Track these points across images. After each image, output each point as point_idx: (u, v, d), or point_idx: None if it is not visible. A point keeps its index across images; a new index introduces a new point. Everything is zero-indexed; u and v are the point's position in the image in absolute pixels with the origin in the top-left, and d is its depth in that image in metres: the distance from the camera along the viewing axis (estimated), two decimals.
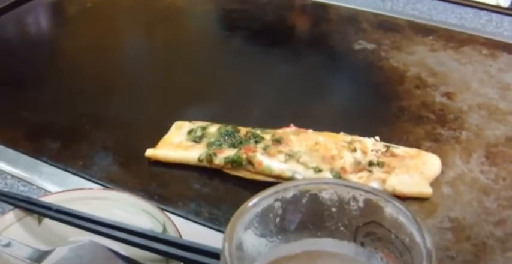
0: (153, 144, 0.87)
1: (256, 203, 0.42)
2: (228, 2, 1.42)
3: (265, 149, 0.82)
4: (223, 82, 1.07)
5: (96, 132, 0.94)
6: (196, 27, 1.36)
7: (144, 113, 0.98)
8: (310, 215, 0.45)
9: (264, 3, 1.41)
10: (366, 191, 0.43)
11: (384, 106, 0.99)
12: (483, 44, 1.23)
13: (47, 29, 1.41)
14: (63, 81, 1.12)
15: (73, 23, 1.40)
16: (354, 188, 0.44)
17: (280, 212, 0.45)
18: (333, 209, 0.45)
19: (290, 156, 0.81)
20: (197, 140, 0.87)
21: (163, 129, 0.91)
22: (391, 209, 0.43)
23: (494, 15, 1.35)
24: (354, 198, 0.44)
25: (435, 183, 0.82)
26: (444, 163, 0.88)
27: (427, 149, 0.91)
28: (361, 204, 0.44)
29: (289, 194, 0.44)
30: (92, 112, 1.01)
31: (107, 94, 1.06)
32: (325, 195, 0.45)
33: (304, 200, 0.45)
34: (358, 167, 0.84)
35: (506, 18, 1.34)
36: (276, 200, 0.44)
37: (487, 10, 1.38)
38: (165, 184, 0.83)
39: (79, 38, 1.30)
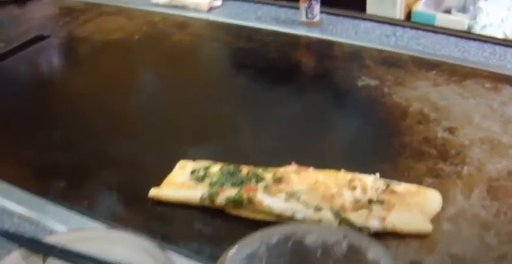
0: (158, 182, 0.88)
1: (236, 251, 0.43)
2: (234, 40, 1.45)
3: (266, 188, 0.83)
4: (228, 120, 1.09)
5: (101, 171, 0.96)
6: (202, 65, 1.38)
7: (150, 152, 1.00)
8: (295, 259, 0.46)
9: (269, 41, 1.43)
10: (349, 236, 0.44)
11: (386, 142, 1.00)
12: (486, 77, 1.23)
13: (57, 69, 1.45)
14: (71, 121, 1.13)
15: (83, 63, 1.43)
16: (337, 232, 0.45)
17: (265, 257, 0.46)
18: (318, 254, 0.46)
19: (290, 195, 0.81)
20: (200, 180, 0.88)
21: (168, 168, 0.92)
22: (373, 253, 0.44)
23: (497, 47, 1.36)
24: (338, 243, 0.45)
25: (436, 219, 0.81)
26: (445, 199, 0.85)
27: (428, 185, 0.91)
28: (344, 248, 0.45)
29: (273, 239, 0.45)
30: (98, 151, 1.02)
31: (113, 133, 1.07)
32: (310, 239, 0.45)
33: (288, 245, 0.46)
34: (358, 204, 0.84)
35: (510, 51, 1.34)
36: (261, 245, 0.45)
37: (491, 43, 1.39)
38: (167, 223, 0.83)
39: (88, 78, 1.34)
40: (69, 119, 1.13)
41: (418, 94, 1.17)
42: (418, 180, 0.89)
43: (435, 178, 0.92)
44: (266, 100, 1.15)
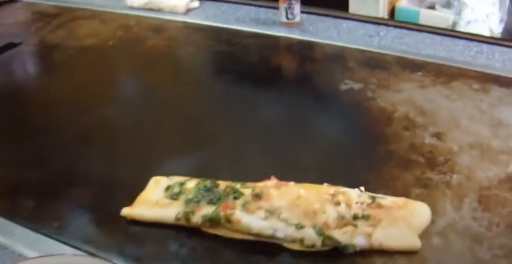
0: (131, 200, 0.84)
1: None
2: (213, 44, 1.40)
3: (244, 205, 0.79)
4: (206, 129, 1.05)
5: (72, 189, 0.90)
6: (179, 71, 1.33)
7: (123, 168, 0.95)
8: None
9: (249, 44, 1.38)
10: None
11: (371, 151, 0.96)
12: (474, 77, 1.20)
13: (28, 78, 1.38)
14: (41, 133, 1.07)
15: (55, 71, 1.37)
16: None
17: None
18: None
19: (270, 212, 0.78)
20: (175, 197, 0.83)
21: (142, 185, 0.88)
22: None
23: (484, 46, 1.33)
24: None
25: (424, 234, 0.78)
26: (434, 211, 0.82)
27: (416, 197, 0.87)
28: None
29: None
30: (69, 167, 0.96)
31: (85, 146, 1.02)
32: None
33: None
34: (342, 221, 0.80)
35: (497, 49, 1.31)
36: None
37: (477, 41, 1.35)
38: (141, 244, 0.79)
39: (61, 86, 1.28)
40: (39, 131, 1.07)
41: (403, 97, 1.14)
42: (405, 191, 0.87)
43: (423, 188, 0.89)
44: (246, 106, 1.11)
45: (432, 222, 0.80)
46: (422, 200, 0.85)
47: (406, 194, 0.85)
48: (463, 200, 0.84)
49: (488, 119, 1.04)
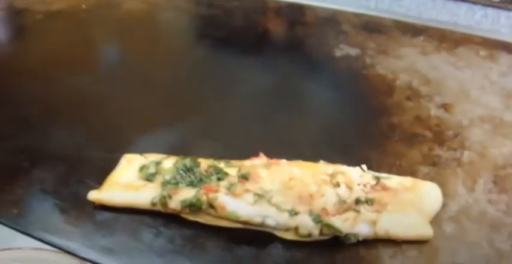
0: (100, 182, 0.76)
1: None
2: (193, 7, 1.30)
3: (229, 188, 0.71)
4: (185, 103, 0.95)
5: (34, 170, 0.81)
6: (158, 37, 1.22)
7: (92, 145, 0.85)
8: None
9: (234, 7, 1.28)
10: None
11: (372, 124, 0.89)
12: (480, 43, 1.11)
13: None
14: (2, 107, 0.96)
15: (23, 37, 1.25)
16: None
17: None
18: None
19: (260, 196, 0.70)
20: (150, 179, 0.75)
21: (113, 164, 0.79)
22: None
23: (489, 9, 1.23)
24: None
25: (436, 220, 0.71)
26: (445, 193, 0.75)
27: (424, 176, 0.79)
28: None
29: None
30: (31, 146, 0.86)
31: (51, 123, 0.91)
32: None
33: None
34: (342, 206, 0.71)
35: (503, 13, 1.22)
36: None
37: (482, 4, 1.25)
38: (111, 234, 0.71)
39: (28, 55, 1.15)
40: (0, 105, 0.95)
41: (404, 64, 1.05)
42: (411, 171, 0.80)
43: (431, 167, 0.81)
44: (231, 76, 1.03)
45: (444, 206, 0.73)
46: (431, 180, 0.77)
47: (413, 173, 0.78)
48: (477, 180, 0.78)
49: (499, 89, 0.97)
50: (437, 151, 0.83)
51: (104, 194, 0.74)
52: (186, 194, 0.71)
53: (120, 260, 0.68)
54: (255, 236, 0.69)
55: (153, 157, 0.80)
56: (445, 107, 0.93)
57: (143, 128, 0.88)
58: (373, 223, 0.68)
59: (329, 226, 0.68)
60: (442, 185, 0.75)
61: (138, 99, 0.97)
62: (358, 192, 0.71)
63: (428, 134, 0.87)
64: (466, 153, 0.83)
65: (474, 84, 0.98)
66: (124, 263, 0.68)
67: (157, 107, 0.95)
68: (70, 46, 1.17)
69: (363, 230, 0.68)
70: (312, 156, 0.77)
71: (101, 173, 0.77)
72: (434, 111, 0.91)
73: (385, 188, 0.73)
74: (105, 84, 1.02)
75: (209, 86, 1.00)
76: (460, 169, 0.80)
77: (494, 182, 0.77)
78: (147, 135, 0.87)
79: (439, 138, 0.85)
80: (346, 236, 0.68)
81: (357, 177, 0.73)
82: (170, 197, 0.71)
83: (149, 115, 0.93)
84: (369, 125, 0.89)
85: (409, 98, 0.95)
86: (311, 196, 0.70)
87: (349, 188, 0.72)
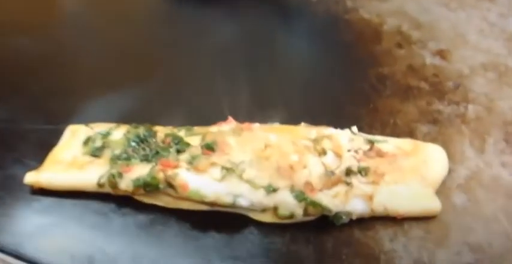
0: (40, 161, 0.66)
1: None
2: None
3: (191, 162, 0.61)
4: (139, 61, 0.84)
5: None
6: None
7: (31, 115, 0.74)
8: None
9: None
10: None
11: (359, 77, 0.80)
12: None
13: None
14: None
15: None
16: None
17: None
18: None
19: (229, 170, 0.60)
20: (96, 154, 0.65)
21: (54, 138, 0.69)
22: None
23: None
24: None
25: (442, 190, 0.62)
26: (451, 156, 0.66)
27: (425, 137, 0.70)
28: None
29: None
30: None
31: None
32: None
33: None
34: (330, 179, 0.60)
35: None
36: None
37: None
38: (51, 225, 0.61)
39: None
40: None
41: (392, 7, 0.95)
42: (409, 130, 0.71)
43: (432, 125, 0.72)
44: (192, 27, 0.91)
45: (450, 172, 0.65)
46: (432, 140, 0.69)
47: (411, 133, 0.70)
48: (486, 139, 0.70)
49: (500, 33, 0.88)
50: (437, 106, 0.74)
51: (43, 175, 0.64)
52: (140, 171, 0.62)
53: (63, 255, 0.59)
54: (225, 220, 0.61)
55: (101, 127, 0.69)
56: (441, 54, 0.84)
57: (91, 93, 0.77)
58: (369, 198, 0.60)
59: (315, 204, 0.59)
60: (447, 147, 0.67)
61: (86, 59, 0.85)
62: (349, 161, 0.62)
63: (425, 85, 0.78)
64: (470, 107, 0.74)
65: (471, 27, 0.88)
66: (66, 259, 0.58)
67: (108, 67, 0.83)
68: (7, 3, 1.03)
69: (356, 207, 0.60)
70: (290, 118, 0.69)
71: (41, 150, 0.68)
72: (429, 60, 0.83)
73: (380, 154, 0.63)
74: (47, 44, 0.89)
75: (168, 41, 0.89)
76: (465, 127, 0.71)
77: (506, 141, 0.69)
78: (96, 102, 0.76)
79: (438, 91, 0.77)
80: (337, 215, 0.59)
81: (346, 142, 0.64)
82: (120, 175, 0.62)
83: (98, 78, 0.81)
84: (356, 78, 0.80)
85: (399, 45, 0.86)
86: (291, 168, 0.60)
87: (338, 155, 0.62)
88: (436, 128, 0.71)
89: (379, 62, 0.82)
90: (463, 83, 0.78)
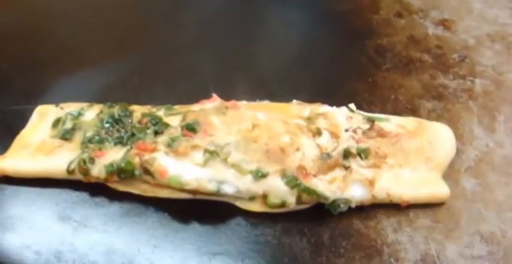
0: (6, 145, 0.63)
1: None
2: None
3: (170, 144, 0.57)
4: (115, 34, 0.81)
5: None
6: None
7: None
8: None
9: None
10: None
11: (355, 49, 0.77)
12: None
13: None
14: None
15: None
16: None
17: None
18: None
19: (212, 154, 0.56)
20: (66, 137, 0.61)
21: (22, 120, 0.66)
22: None
23: None
24: None
25: (451, 173, 0.60)
26: (458, 136, 0.64)
27: (429, 114, 0.67)
28: None
29: None
30: None
31: None
32: None
33: None
34: (326, 162, 0.56)
35: None
36: None
37: None
38: (13, 217, 0.57)
39: None
40: None
41: None
42: (412, 106, 0.69)
43: (436, 101, 0.70)
44: None
45: (458, 153, 0.61)
46: (437, 118, 0.65)
47: (414, 111, 0.67)
48: (495, 116, 0.66)
49: (505, 1, 0.86)
50: (442, 80, 0.72)
51: (8, 161, 0.60)
52: (113, 155, 0.58)
53: (27, 251, 0.54)
54: (208, 210, 0.57)
55: (72, 107, 0.66)
56: (444, 24, 0.81)
57: (63, 70, 0.74)
58: (370, 183, 0.56)
59: (309, 191, 0.55)
60: (454, 126, 0.65)
61: (58, 33, 0.81)
62: (347, 142, 0.59)
63: (428, 58, 0.75)
64: (477, 81, 0.72)
65: None
66: (31, 255, 0.54)
67: (82, 41, 0.80)
68: None
69: (356, 193, 0.56)
70: (281, 95, 0.65)
71: (6, 134, 0.64)
72: (432, 30, 0.80)
73: (382, 134, 0.60)
74: (15, 15, 0.86)
75: (147, 13, 0.86)
76: (473, 103, 0.69)
77: None
78: (68, 79, 0.73)
79: (442, 64, 0.75)
80: (334, 203, 0.55)
81: (344, 121, 0.60)
82: (92, 160, 0.58)
83: (70, 52, 0.78)
84: (352, 51, 0.77)
85: (399, 14, 0.82)
86: (283, 150, 0.56)
87: (334, 135, 0.59)
88: (441, 105, 0.68)
89: (378, 33, 0.80)
90: (468, 55, 0.76)
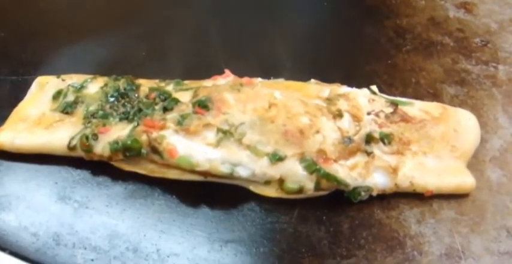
0: (4, 118, 0.60)
1: None
2: None
3: (181, 122, 0.54)
4: (125, 5, 0.78)
5: None
6: None
7: None
8: None
9: None
10: None
11: (374, 29, 0.74)
12: None
13: None
14: None
15: None
16: None
17: None
18: None
19: (226, 133, 0.53)
20: (68, 110, 0.58)
21: (21, 91, 0.63)
22: None
23: None
24: None
25: (475, 163, 0.57)
26: (483, 124, 0.61)
27: (452, 100, 0.64)
28: None
29: None
30: None
31: None
32: None
33: None
34: (348, 147, 0.53)
35: None
36: None
37: None
38: (10, 196, 0.54)
39: None
40: None
41: None
42: (434, 91, 0.66)
43: (459, 86, 0.66)
44: None
45: (482, 142, 0.58)
46: (460, 104, 0.62)
47: (436, 96, 0.64)
48: None
49: None
50: (464, 64, 0.69)
51: (4, 135, 0.57)
52: (119, 132, 0.55)
53: (24, 233, 0.51)
54: (220, 194, 0.54)
55: (74, 79, 0.62)
56: (466, 6, 0.78)
57: (65, 39, 0.71)
58: (393, 171, 0.53)
59: (329, 176, 0.52)
60: (477, 113, 0.63)
61: (58, 1, 0.79)
62: (369, 126, 0.55)
63: (449, 41, 0.72)
64: (501, 68, 0.69)
65: None
66: (29, 238, 0.51)
67: (86, 8, 0.78)
68: None
69: (378, 181, 0.53)
70: (298, 73, 0.62)
71: (4, 105, 0.62)
72: (453, 12, 0.77)
73: (406, 119, 0.56)
74: None
75: None
76: (496, 90, 0.66)
77: None
78: (70, 49, 0.70)
79: (464, 48, 0.72)
80: (355, 190, 0.52)
81: (366, 103, 0.56)
82: (95, 137, 0.55)
83: (74, 20, 0.75)
84: (371, 31, 0.74)
85: None
86: (301, 132, 0.53)
87: (356, 119, 0.55)
88: (464, 90, 0.65)
89: (397, 13, 0.77)
90: (491, 40, 0.73)
